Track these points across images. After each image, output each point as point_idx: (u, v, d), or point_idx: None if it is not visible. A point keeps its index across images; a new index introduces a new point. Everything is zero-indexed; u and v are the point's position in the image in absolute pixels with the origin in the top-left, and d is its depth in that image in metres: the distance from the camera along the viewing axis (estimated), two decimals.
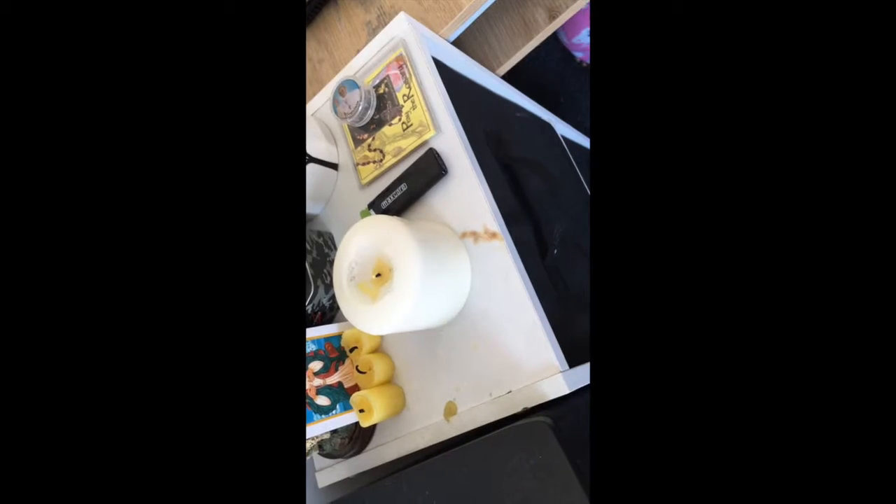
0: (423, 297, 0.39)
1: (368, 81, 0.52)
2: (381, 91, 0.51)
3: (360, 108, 0.49)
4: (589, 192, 0.78)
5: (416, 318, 0.41)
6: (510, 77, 0.71)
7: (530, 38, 0.65)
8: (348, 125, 0.53)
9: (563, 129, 0.89)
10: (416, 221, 0.43)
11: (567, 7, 0.62)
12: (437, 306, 0.42)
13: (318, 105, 0.57)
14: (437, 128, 0.47)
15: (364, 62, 0.53)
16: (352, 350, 0.49)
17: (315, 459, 0.54)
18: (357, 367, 0.48)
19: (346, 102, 0.50)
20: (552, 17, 0.64)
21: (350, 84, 0.50)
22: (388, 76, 0.51)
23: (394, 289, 0.39)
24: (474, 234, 0.45)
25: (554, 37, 1.05)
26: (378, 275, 0.41)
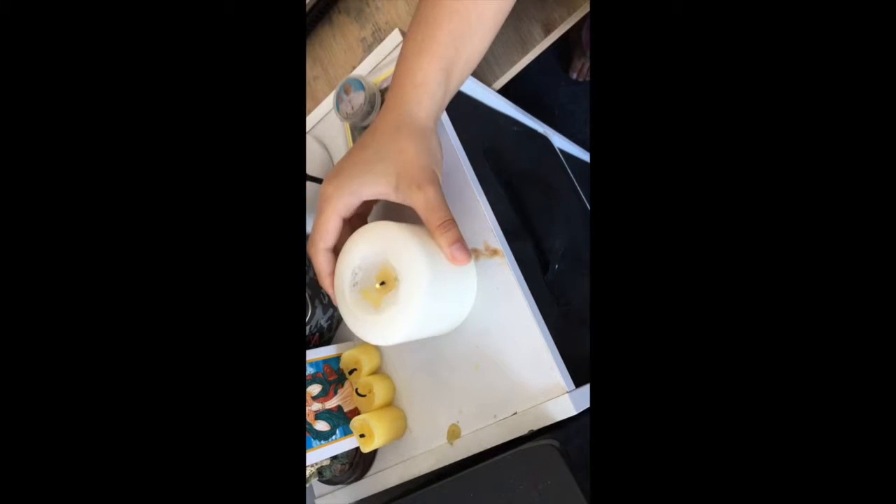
0: (431, 305, 0.37)
1: (377, 83, 0.52)
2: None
3: (363, 110, 0.49)
4: (588, 205, 0.77)
5: (424, 327, 0.39)
6: (505, 90, 0.71)
7: (526, 53, 0.64)
8: (349, 124, 0.53)
9: (560, 141, 0.88)
10: (421, 227, 0.41)
11: (562, 21, 0.62)
12: (445, 314, 0.41)
13: (314, 122, 0.57)
14: None
15: (375, 63, 0.52)
16: (351, 372, 0.48)
17: (314, 486, 0.53)
18: (357, 389, 0.47)
19: (349, 102, 0.50)
20: (547, 32, 0.63)
21: (356, 84, 0.49)
22: None
23: (400, 299, 0.37)
24: (475, 251, 0.44)
25: (548, 49, 1.06)
26: (382, 283, 0.39)
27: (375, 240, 0.39)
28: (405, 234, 0.38)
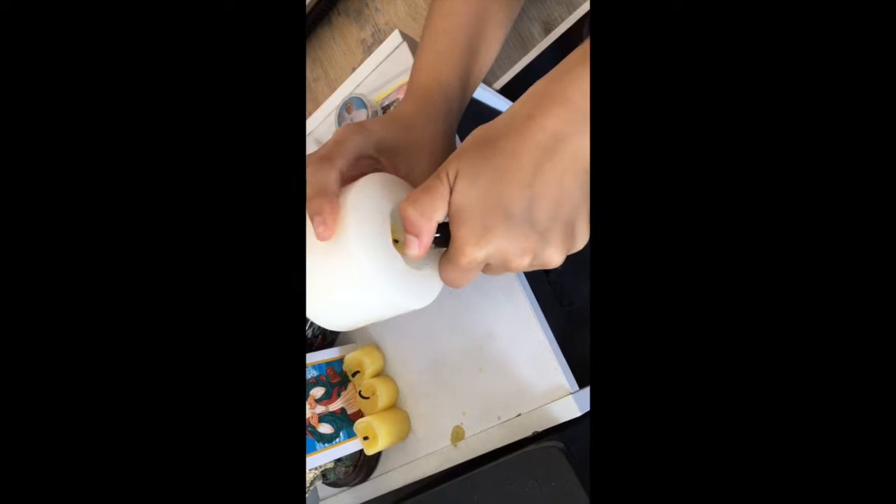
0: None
1: (378, 100, 0.51)
2: None
3: None
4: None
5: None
6: (506, 90, 0.71)
7: (526, 52, 0.64)
8: None
9: None
10: None
11: (562, 20, 0.62)
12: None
13: (315, 124, 0.57)
14: None
15: (375, 65, 0.52)
16: (354, 374, 0.48)
17: (319, 489, 0.53)
18: (360, 392, 0.47)
19: (351, 120, 0.50)
20: (547, 31, 0.63)
21: (358, 102, 0.50)
22: (397, 99, 0.50)
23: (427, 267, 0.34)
24: None
25: (549, 49, 1.06)
26: (395, 241, 0.33)
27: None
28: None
